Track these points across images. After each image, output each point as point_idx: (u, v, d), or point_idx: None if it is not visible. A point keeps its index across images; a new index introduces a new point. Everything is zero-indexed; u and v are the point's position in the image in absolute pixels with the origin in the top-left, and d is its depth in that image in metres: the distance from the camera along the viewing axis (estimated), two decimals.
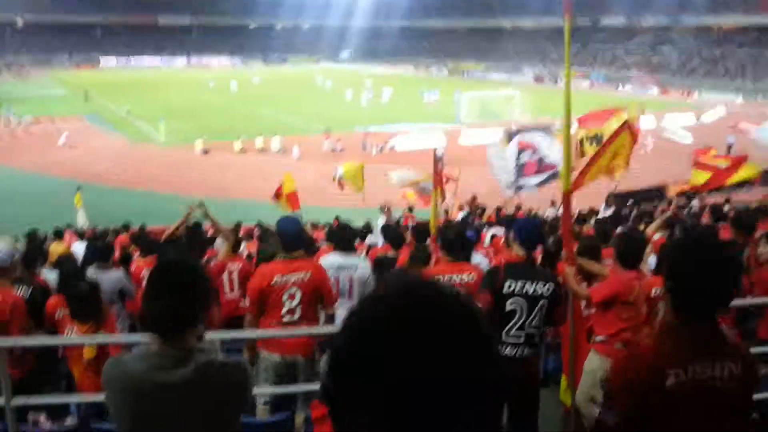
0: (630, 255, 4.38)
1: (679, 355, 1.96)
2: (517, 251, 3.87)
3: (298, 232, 4.45)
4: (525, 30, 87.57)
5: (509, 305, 3.67)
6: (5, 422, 3.23)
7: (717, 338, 2.02)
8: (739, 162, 9.79)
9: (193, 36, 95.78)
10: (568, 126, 4.48)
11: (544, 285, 3.72)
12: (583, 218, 12.47)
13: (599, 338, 4.27)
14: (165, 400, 2.00)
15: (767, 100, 47.50)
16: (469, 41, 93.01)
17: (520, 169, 9.09)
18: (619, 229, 9.58)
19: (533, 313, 3.69)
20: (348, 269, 5.17)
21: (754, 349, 4.08)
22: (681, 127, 33.78)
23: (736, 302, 4.60)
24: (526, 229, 3.95)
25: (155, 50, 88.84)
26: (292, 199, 12.73)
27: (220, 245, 8.37)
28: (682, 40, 68.82)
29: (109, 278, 5.79)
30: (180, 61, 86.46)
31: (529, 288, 3.69)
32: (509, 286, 3.67)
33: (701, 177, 9.59)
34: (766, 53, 59.09)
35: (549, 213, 15.26)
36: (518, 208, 15.67)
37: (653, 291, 4.28)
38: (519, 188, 9.51)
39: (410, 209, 14.60)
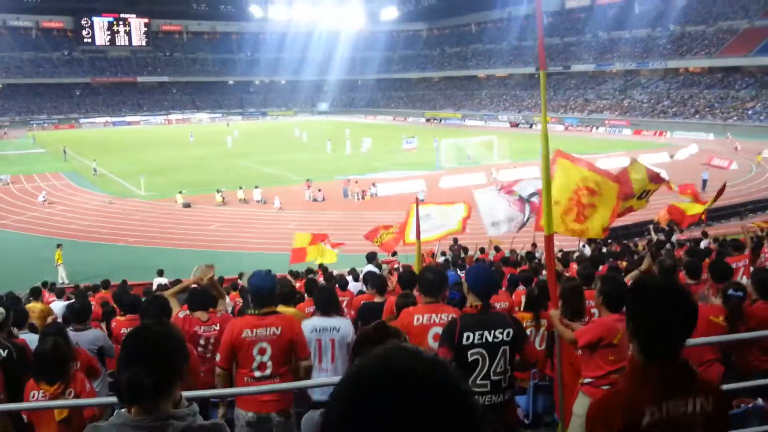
0: (614, 299, 4.44)
1: (653, 394, 2.02)
2: (473, 301, 3.86)
3: (268, 289, 4.42)
4: (497, 78, 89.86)
5: (471, 356, 3.66)
6: None
7: (687, 375, 2.08)
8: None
9: (172, 93, 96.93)
10: (547, 170, 4.58)
11: (503, 331, 3.71)
12: (566, 259, 12.56)
13: (587, 380, 4.27)
14: None
15: (736, 137, 48.80)
16: (444, 91, 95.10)
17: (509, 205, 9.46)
18: (600, 268, 9.68)
19: (496, 360, 3.68)
20: (329, 331, 5.16)
21: (731, 386, 4.10)
22: (653, 165, 34.49)
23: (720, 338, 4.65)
24: (477, 278, 3.93)
25: (135, 108, 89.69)
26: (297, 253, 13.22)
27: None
28: (650, 82, 70.99)
29: (86, 338, 5.69)
30: (159, 117, 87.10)
31: (488, 336, 3.67)
32: (467, 338, 3.65)
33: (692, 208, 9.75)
34: (731, 93, 61.07)
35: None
36: (497, 249, 15.76)
37: None
38: (496, 225, 9.83)
39: (393, 253, 14.64)
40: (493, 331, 3.70)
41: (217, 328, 5.63)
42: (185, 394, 2.21)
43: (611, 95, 72.59)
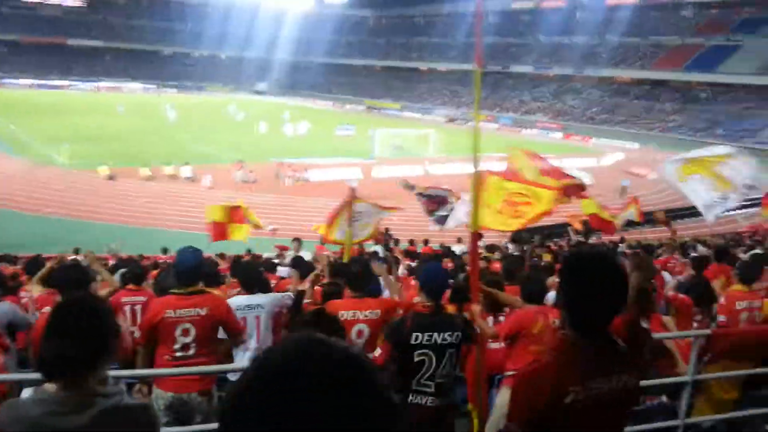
0: (533, 293, 4.61)
1: (578, 373, 1.99)
2: (424, 300, 3.83)
3: (195, 265, 4.26)
4: (439, 72, 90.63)
5: (417, 356, 3.62)
6: None
7: (613, 352, 2.06)
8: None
9: (105, 59, 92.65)
10: (476, 168, 4.66)
11: (452, 334, 3.68)
12: (491, 250, 12.89)
13: (509, 373, 4.38)
14: None
15: (660, 148, 51.09)
16: (386, 81, 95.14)
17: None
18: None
19: (442, 363, 3.66)
20: (254, 309, 5.06)
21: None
22: (579, 169, 35.73)
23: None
24: (430, 278, 3.91)
25: (64, 72, 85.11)
26: (216, 229, 12.23)
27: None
28: (584, 89, 73.35)
29: None
30: (89, 84, 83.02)
31: (437, 338, 3.63)
32: (416, 338, 3.60)
33: (589, 206, 10.18)
34: (657, 105, 63.91)
35: (456, 249, 15.62)
36: (426, 242, 15.97)
37: (554, 321, 4.51)
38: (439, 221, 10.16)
39: (322, 241, 14.55)
40: (442, 333, 3.66)
41: None
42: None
43: (546, 98, 74.54)
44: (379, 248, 15.97)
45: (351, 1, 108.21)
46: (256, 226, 12.58)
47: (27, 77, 79.83)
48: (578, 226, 15.14)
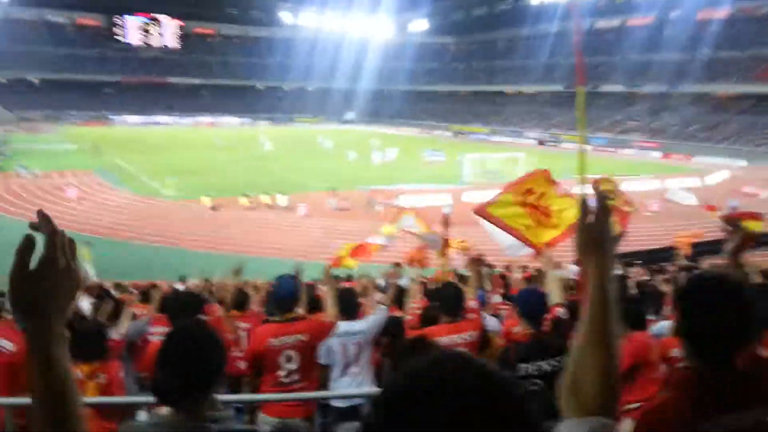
0: (634, 318, 4.38)
1: (710, 409, 1.78)
2: (524, 327, 3.74)
3: (293, 291, 4.37)
4: (525, 95, 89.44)
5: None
6: None
7: (745, 385, 1.83)
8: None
9: (203, 96, 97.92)
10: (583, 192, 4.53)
11: (559, 359, 3.51)
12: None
13: (634, 405, 4.15)
14: None
15: (766, 165, 47.89)
16: (471, 105, 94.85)
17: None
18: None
19: (552, 390, 3.52)
20: (355, 335, 5.05)
21: None
22: (682, 189, 33.87)
23: None
24: (527, 303, 3.81)
25: (165, 109, 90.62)
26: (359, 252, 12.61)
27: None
28: (680, 106, 70.13)
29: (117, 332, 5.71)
30: (189, 119, 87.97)
31: (545, 366, 3.51)
32: (525, 370, 3.48)
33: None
34: (761, 120, 60.06)
35: (559, 273, 15.14)
36: (524, 268, 15.59)
37: (671, 352, 4.24)
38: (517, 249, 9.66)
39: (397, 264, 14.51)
40: (550, 360, 3.52)
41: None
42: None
43: (640, 117, 71.81)
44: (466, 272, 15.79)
45: (431, 28, 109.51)
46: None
47: (131, 115, 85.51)
48: (687, 249, 14.33)
